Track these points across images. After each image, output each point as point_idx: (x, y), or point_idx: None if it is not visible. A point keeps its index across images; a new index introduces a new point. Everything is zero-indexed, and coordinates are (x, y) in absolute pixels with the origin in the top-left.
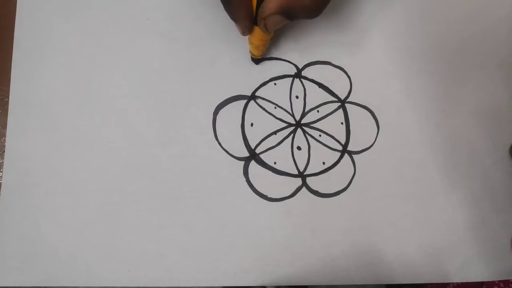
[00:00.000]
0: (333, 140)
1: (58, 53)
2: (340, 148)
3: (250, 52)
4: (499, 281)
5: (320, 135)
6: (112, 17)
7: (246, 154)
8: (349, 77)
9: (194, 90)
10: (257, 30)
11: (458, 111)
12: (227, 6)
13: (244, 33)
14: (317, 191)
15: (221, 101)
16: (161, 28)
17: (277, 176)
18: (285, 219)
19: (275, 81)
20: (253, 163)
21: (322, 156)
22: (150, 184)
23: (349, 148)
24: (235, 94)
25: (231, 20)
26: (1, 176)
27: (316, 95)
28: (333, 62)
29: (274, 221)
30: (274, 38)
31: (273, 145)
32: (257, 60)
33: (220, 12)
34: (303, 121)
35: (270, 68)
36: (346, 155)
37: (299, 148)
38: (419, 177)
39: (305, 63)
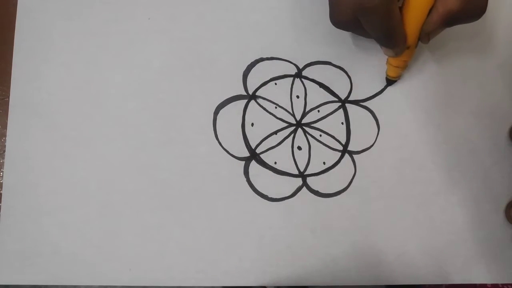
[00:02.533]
0: (334, 140)
1: (58, 53)
2: (341, 148)
3: (386, 74)
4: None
5: (320, 135)
6: (112, 16)
7: (246, 154)
8: (349, 77)
9: (194, 90)
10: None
11: (458, 111)
12: (388, 41)
13: (397, 55)
14: (317, 191)
15: (221, 101)
16: (162, 28)
17: (278, 176)
18: (285, 219)
19: (276, 81)
20: (253, 163)
21: (322, 156)
22: (150, 184)
23: (350, 148)
24: (235, 94)
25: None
26: (2, 176)
27: (316, 95)
28: (333, 62)
29: (274, 221)
30: (274, 38)
31: (274, 145)
32: (391, 82)
33: (220, 12)
34: (303, 121)
35: (271, 68)
36: (346, 155)
37: (299, 148)
38: (419, 177)
39: (306, 63)
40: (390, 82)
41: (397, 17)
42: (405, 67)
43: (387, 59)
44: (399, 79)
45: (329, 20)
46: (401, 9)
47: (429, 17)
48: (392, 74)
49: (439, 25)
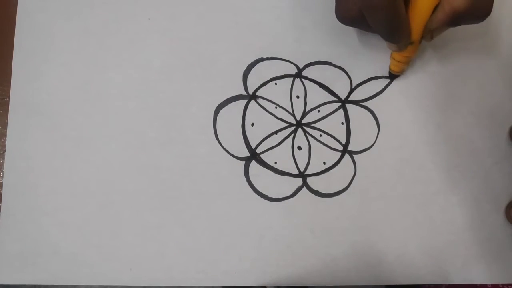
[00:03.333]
0: (334, 140)
1: (58, 53)
2: (341, 148)
3: (389, 68)
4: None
5: (320, 135)
6: (112, 17)
7: (246, 154)
8: (349, 77)
9: (195, 90)
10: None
11: (459, 111)
12: (393, 36)
13: (401, 50)
14: (317, 191)
15: (221, 101)
16: (162, 28)
17: (278, 176)
18: (286, 219)
19: (276, 81)
20: (253, 163)
21: (322, 156)
22: (150, 184)
23: (350, 148)
24: (235, 94)
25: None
26: (2, 176)
27: (316, 95)
28: (333, 62)
29: (274, 221)
30: (274, 38)
31: (274, 145)
32: (394, 76)
33: (220, 12)
34: (303, 121)
35: (271, 68)
36: (346, 155)
37: (299, 148)
38: (419, 177)
39: (306, 63)
40: (392, 76)
41: (402, 14)
42: (408, 62)
43: (391, 53)
44: (402, 74)
45: (333, 17)
46: (406, 5)
47: (434, 14)
48: (395, 68)
49: (443, 24)
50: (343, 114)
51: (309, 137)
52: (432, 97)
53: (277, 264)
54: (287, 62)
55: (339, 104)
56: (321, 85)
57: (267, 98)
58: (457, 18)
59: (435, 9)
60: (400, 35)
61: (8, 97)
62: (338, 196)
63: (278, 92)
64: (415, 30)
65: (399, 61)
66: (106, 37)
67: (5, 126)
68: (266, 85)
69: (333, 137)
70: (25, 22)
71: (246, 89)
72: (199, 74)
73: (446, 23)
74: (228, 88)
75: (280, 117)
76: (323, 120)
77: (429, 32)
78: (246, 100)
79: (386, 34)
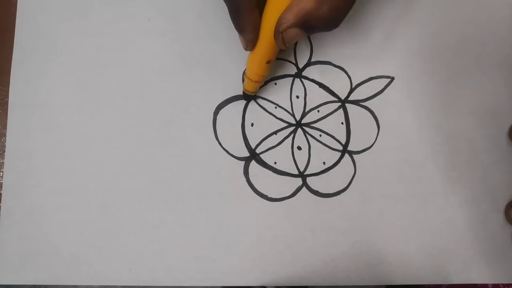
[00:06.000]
0: (334, 140)
1: (58, 53)
2: (341, 148)
3: (243, 87)
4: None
5: (320, 135)
6: (112, 17)
7: (246, 154)
8: (349, 77)
9: (194, 90)
10: (257, 60)
11: (458, 111)
12: (234, 17)
13: (247, 47)
14: (317, 191)
15: (221, 101)
16: (162, 28)
17: (278, 176)
18: (285, 219)
19: (276, 81)
20: (253, 163)
21: (322, 156)
22: (150, 184)
23: (350, 148)
24: (235, 94)
25: (236, 30)
26: (2, 176)
27: (316, 95)
28: (333, 62)
29: (274, 221)
30: None
31: (274, 145)
32: (248, 97)
33: (220, 12)
34: (303, 121)
35: (271, 68)
36: (346, 155)
37: (299, 148)
38: (419, 177)
39: (306, 63)
40: (247, 96)
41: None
42: (262, 81)
43: (245, 73)
44: (255, 93)
45: None
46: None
47: (282, 14)
48: (250, 89)
49: (292, 25)
50: (343, 114)
51: (309, 137)
52: (432, 97)
53: (277, 264)
54: (287, 62)
55: (339, 104)
56: (321, 85)
57: (266, 98)
58: (306, 20)
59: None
60: (244, 23)
61: (8, 97)
62: (338, 196)
63: (278, 92)
64: (266, 29)
65: (256, 81)
66: (106, 37)
67: (4, 126)
68: (266, 85)
69: (333, 137)
70: (25, 22)
71: (248, 99)
72: (199, 74)
73: (297, 25)
74: (228, 88)
75: (279, 117)
76: (323, 120)
77: (279, 34)
78: (246, 100)
79: (229, 11)
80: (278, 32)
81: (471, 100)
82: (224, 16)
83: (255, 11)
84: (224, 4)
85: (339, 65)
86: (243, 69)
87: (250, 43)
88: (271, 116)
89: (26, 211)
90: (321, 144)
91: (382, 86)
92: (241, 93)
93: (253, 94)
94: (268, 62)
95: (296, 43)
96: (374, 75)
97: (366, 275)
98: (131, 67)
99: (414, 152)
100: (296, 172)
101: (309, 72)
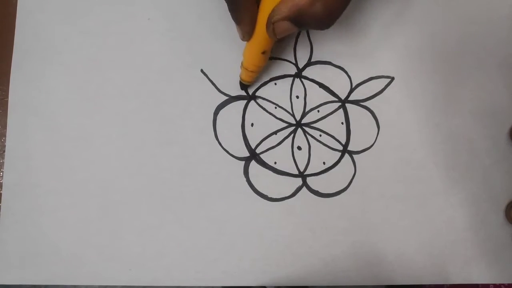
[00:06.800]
0: (334, 140)
1: (58, 52)
2: (341, 148)
3: (240, 77)
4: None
5: (320, 135)
6: (112, 17)
7: (246, 154)
8: (349, 77)
9: (194, 90)
10: (253, 50)
11: (458, 111)
12: (232, 8)
13: (244, 38)
14: (317, 191)
15: (221, 101)
16: (161, 28)
17: (278, 176)
18: (285, 219)
19: (276, 81)
20: (253, 163)
21: (322, 156)
22: (150, 184)
23: (350, 148)
24: (235, 94)
25: (233, 21)
26: (2, 176)
27: (316, 95)
28: (333, 62)
29: (274, 221)
30: None
31: (274, 145)
32: (245, 86)
33: (220, 12)
34: (303, 121)
35: (271, 68)
36: (346, 155)
37: (299, 148)
38: (419, 177)
39: (306, 63)
40: (243, 86)
41: None
42: (258, 72)
43: (242, 63)
44: (252, 84)
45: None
46: None
47: (277, 5)
48: (246, 78)
49: (285, 18)
50: (343, 114)
51: (308, 137)
52: (432, 97)
53: (277, 264)
54: (287, 62)
55: (339, 104)
56: (321, 85)
57: (266, 98)
58: (298, 15)
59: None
60: (240, 14)
61: (8, 97)
62: (338, 196)
63: (277, 92)
64: (262, 20)
65: (251, 71)
66: (106, 37)
67: (4, 126)
68: (266, 85)
69: (333, 137)
70: (25, 22)
71: (245, 89)
72: (199, 74)
73: (288, 18)
74: (228, 88)
75: (279, 117)
76: (323, 120)
77: (270, 25)
78: (245, 100)
79: (228, 3)
80: (270, 23)
81: (471, 100)
82: (224, 16)
83: (253, 3)
84: (223, 4)
85: (339, 65)
86: None
87: (247, 34)
88: (271, 116)
89: (26, 211)
90: (321, 144)
91: (382, 86)
92: (241, 93)
93: (249, 84)
94: (263, 53)
95: (296, 43)
96: (374, 75)
97: (366, 275)
98: (131, 67)
99: (414, 152)
100: (296, 172)
101: (309, 72)
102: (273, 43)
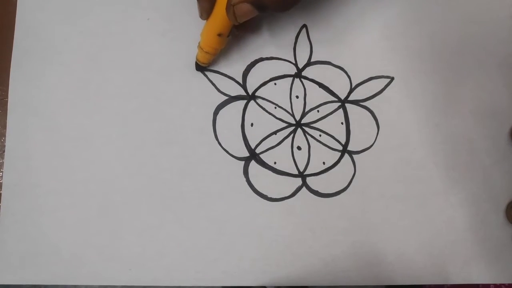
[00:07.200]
0: (333, 140)
1: (58, 52)
2: (340, 148)
3: (196, 57)
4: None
5: (320, 135)
6: (112, 17)
7: (246, 154)
8: (349, 77)
9: (194, 90)
10: (210, 31)
11: (458, 111)
12: None
13: (202, 16)
14: (317, 191)
15: (221, 101)
16: (161, 28)
17: (277, 176)
18: (285, 219)
19: (275, 81)
20: (253, 163)
21: (322, 156)
22: (150, 184)
23: (349, 148)
24: (235, 94)
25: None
26: (2, 176)
27: (316, 95)
28: (333, 62)
29: (274, 221)
30: (274, 37)
31: (273, 145)
32: (201, 68)
33: None
34: (303, 121)
35: (270, 68)
36: (346, 155)
37: (299, 148)
38: (419, 177)
39: (305, 63)
40: (200, 67)
41: None
42: (215, 54)
43: (199, 43)
44: (208, 65)
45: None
46: None
47: None
48: (202, 59)
49: (243, 0)
50: (343, 114)
51: (308, 137)
52: (432, 97)
53: (276, 264)
54: (287, 62)
55: (339, 104)
56: (321, 85)
57: (266, 98)
58: (257, 1)
59: None
60: None
61: (8, 97)
62: (338, 196)
63: (277, 92)
64: (221, 2)
65: (206, 52)
66: (106, 37)
67: (4, 126)
68: (266, 85)
69: (333, 137)
70: (25, 21)
71: (245, 89)
72: (199, 74)
73: (247, 1)
74: (228, 88)
75: (279, 117)
76: (322, 120)
77: (231, 8)
78: (245, 101)
79: None
80: (230, 5)
81: (471, 100)
82: None
83: None
84: None
85: (339, 65)
86: (242, 70)
87: (205, 12)
88: (270, 116)
89: (26, 211)
90: (321, 144)
91: (382, 86)
92: (241, 93)
93: (205, 65)
94: (219, 35)
95: (295, 43)
96: (373, 75)
97: (366, 275)
98: (130, 67)
99: (414, 152)
100: (296, 172)
101: (309, 72)
102: (231, 26)
